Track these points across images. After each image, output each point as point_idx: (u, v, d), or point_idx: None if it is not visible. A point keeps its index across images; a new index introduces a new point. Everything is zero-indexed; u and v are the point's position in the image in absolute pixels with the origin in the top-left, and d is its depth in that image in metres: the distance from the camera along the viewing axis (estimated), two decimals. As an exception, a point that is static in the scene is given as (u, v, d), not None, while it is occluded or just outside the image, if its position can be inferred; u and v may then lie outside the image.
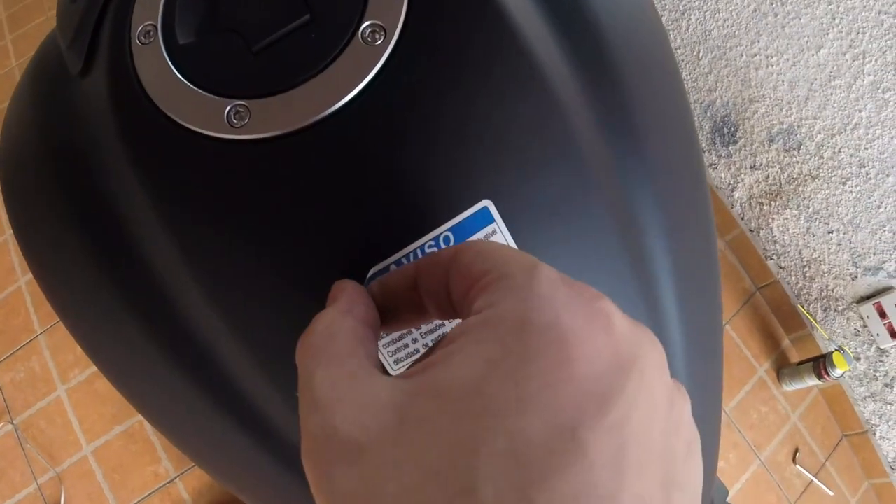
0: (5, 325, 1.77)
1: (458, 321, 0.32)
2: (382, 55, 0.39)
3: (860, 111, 1.37)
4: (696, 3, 1.56)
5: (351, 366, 0.22)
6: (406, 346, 0.39)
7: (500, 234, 0.39)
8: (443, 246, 0.38)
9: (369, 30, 0.40)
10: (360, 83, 0.39)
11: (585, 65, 0.45)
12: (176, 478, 1.61)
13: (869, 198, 1.45)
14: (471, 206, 0.39)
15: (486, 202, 0.39)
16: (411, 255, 0.38)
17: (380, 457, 0.18)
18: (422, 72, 0.40)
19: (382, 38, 0.39)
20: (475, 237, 0.39)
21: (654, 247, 0.46)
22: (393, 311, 0.29)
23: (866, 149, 1.40)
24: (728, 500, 1.33)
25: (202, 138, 0.40)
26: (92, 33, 0.47)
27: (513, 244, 0.39)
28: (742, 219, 1.78)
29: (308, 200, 0.39)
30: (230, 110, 0.40)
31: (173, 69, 0.42)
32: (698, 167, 0.55)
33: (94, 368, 1.68)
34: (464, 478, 0.16)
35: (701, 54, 1.62)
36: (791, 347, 1.79)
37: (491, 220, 0.39)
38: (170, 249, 0.41)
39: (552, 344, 0.18)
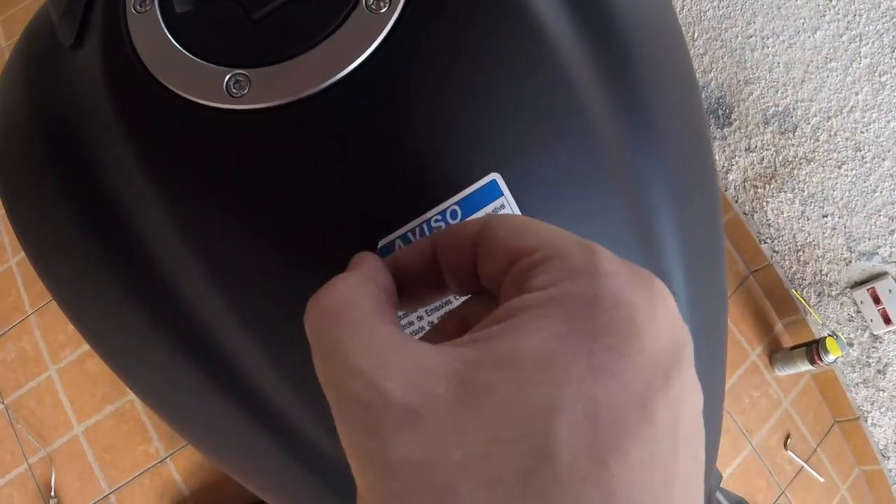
0: (-4, 306, 1.78)
1: (464, 298, 0.32)
2: (387, 23, 0.38)
3: (856, 94, 1.36)
4: (692, -18, 1.55)
5: (386, 332, 0.21)
6: (412, 323, 0.39)
7: (508, 207, 0.39)
8: (450, 221, 0.38)
9: None
10: (363, 52, 0.38)
11: (595, 37, 0.44)
12: (167, 457, 1.62)
13: (864, 182, 1.45)
14: (479, 178, 0.38)
15: (494, 175, 0.38)
16: (417, 229, 0.37)
17: (442, 423, 0.18)
18: (428, 40, 0.39)
19: (387, 5, 0.38)
20: (483, 212, 0.38)
21: (662, 225, 0.45)
22: (408, 288, 0.29)
23: (862, 132, 1.39)
24: (721, 485, 1.35)
25: (200, 109, 0.39)
26: (85, 3, 0.46)
27: None
28: (736, 202, 1.78)
29: (310, 172, 0.38)
30: (229, 80, 0.39)
31: (170, 38, 0.41)
32: (706, 145, 0.54)
33: (85, 348, 1.69)
34: (540, 444, 0.17)
35: (696, 35, 1.62)
36: (784, 332, 1.80)
37: (499, 193, 0.38)
38: (165, 224, 0.41)
39: (622, 319, 0.19)
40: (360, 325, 0.22)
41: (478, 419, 0.18)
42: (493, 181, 0.38)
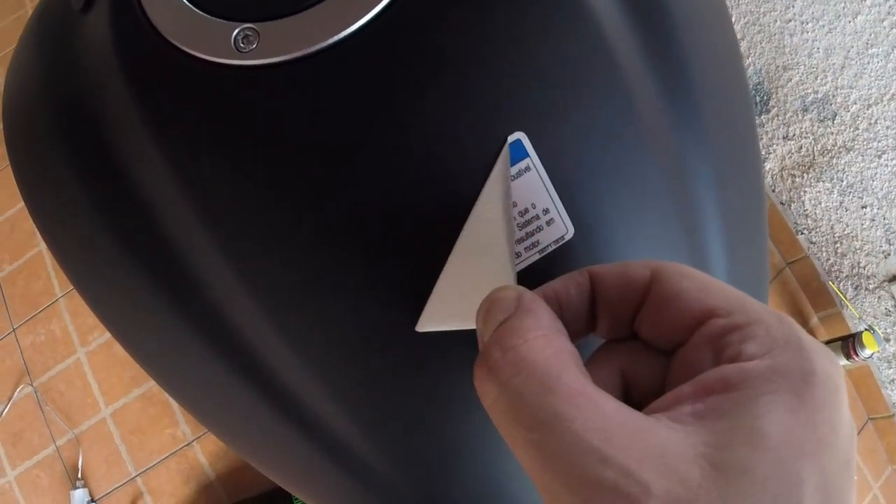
0: (26, 289, 1.81)
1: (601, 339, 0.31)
2: None
3: None
4: (729, -35, 1.54)
5: (609, 404, 0.21)
6: None
7: (533, 170, 0.37)
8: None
9: None
10: (378, 4, 0.36)
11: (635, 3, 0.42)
12: (193, 441, 1.65)
13: (905, 172, 1.44)
14: (501, 136, 0.36)
15: (519, 134, 0.36)
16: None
17: None
18: None
19: None
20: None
21: (701, 194, 0.44)
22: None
23: None
24: None
25: (209, 65, 0.38)
26: None
27: (548, 182, 0.37)
28: (773, 191, 1.77)
29: (321, 129, 0.37)
30: (238, 34, 0.38)
31: None
32: (749, 116, 0.53)
33: (113, 332, 1.73)
34: None
35: (734, 19, 1.61)
36: (819, 326, 1.78)
37: (525, 154, 0.37)
38: (173, 189, 0.40)
39: (832, 393, 0.20)
40: (579, 393, 0.21)
41: (741, 500, 0.19)
42: (518, 140, 0.37)
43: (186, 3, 0.40)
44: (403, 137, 0.36)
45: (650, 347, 0.27)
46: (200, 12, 0.39)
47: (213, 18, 0.39)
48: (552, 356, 0.22)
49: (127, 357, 1.64)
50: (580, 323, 0.28)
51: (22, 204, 1.86)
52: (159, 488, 1.63)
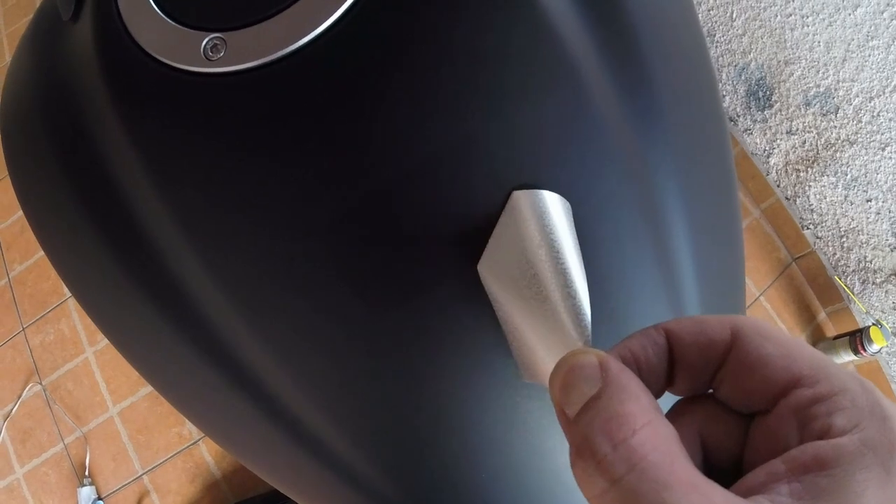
0: (35, 289, 1.86)
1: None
2: None
3: None
4: (729, -39, 1.58)
5: (717, 496, 0.21)
6: None
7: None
8: None
9: None
10: (337, 10, 0.40)
11: (597, 13, 0.45)
12: (199, 440, 1.67)
13: (909, 164, 1.46)
14: (464, 132, 0.40)
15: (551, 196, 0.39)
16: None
17: None
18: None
19: None
20: None
21: (663, 185, 0.46)
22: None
23: None
24: None
25: (180, 73, 0.43)
26: None
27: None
28: (778, 186, 1.79)
29: (285, 129, 0.40)
30: (207, 43, 0.42)
31: (153, 5, 0.45)
32: (716, 106, 0.55)
33: (120, 332, 1.78)
34: None
35: (734, 15, 1.64)
36: (827, 321, 1.79)
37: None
38: (148, 186, 0.44)
39: None
40: (693, 487, 0.20)
41: None
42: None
43: (161, 14, 0.45)
44: (360, 136, 0.40)
45: (727, 408, 0.27)
46: (173, 23, 0.44)
47: (185, 29, 0.44)
48: (662, 447, 0.22)
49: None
50: (658, 383, 0.27)
51: (32, 205, 1.92)
52: (165, 486, 1.66)
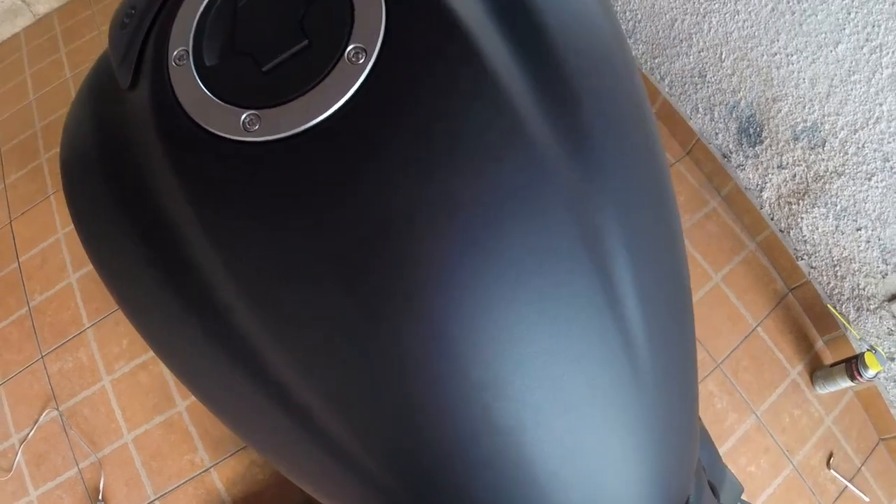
0: (55, 318, 1.94)
1: None
2: (364, 71, 0.52)
3: (881, 105, 1.43)
4: (716, 5, 1.67)
5: None
6: None
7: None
8: None
9: (353, 51, 0.53)
10: (345, 94, 0.52)
11: (532, 61, 0.55)
12: (211, 467, 1.73)
13: (895, 193, 1.52)
14: (430, 203, 0.50)
15: None
16: None
17: None
18: (395, 85, 0.52)
19: (363, 57, 0.52)
20: None
21: (605, 225, 0.54)
22: None
23: (889, 143, 1.46)
24: (743, 497, 1.36)
25: (223, 140, 0.54)
26: (138, 55, 0.62)
27: None
28: (772, 219, 1.86)
29: (308, 185, 0.51)
30: (245, 118, 0.53)
31: (201, 85, 0.56)
32: (658, 161, 0.64)
33: (138, 361, 1.84)
34: None
35: (724, 56, 1.74)
36: (825, 349, 1.83)
37: None
38: (199, 232, 0.54)
39: None
40: None
41: None
42: None
43: (207, 92, 0.56)
44: (363, 192, 0.50)
45: None
46: (218, 100, 0.55)
47: (228, 105, 0.55)
48: None
49: (150, 385, 1.78)
50: None
51: (52, 238, 2.02)
52: (177, 511, 1.70)
